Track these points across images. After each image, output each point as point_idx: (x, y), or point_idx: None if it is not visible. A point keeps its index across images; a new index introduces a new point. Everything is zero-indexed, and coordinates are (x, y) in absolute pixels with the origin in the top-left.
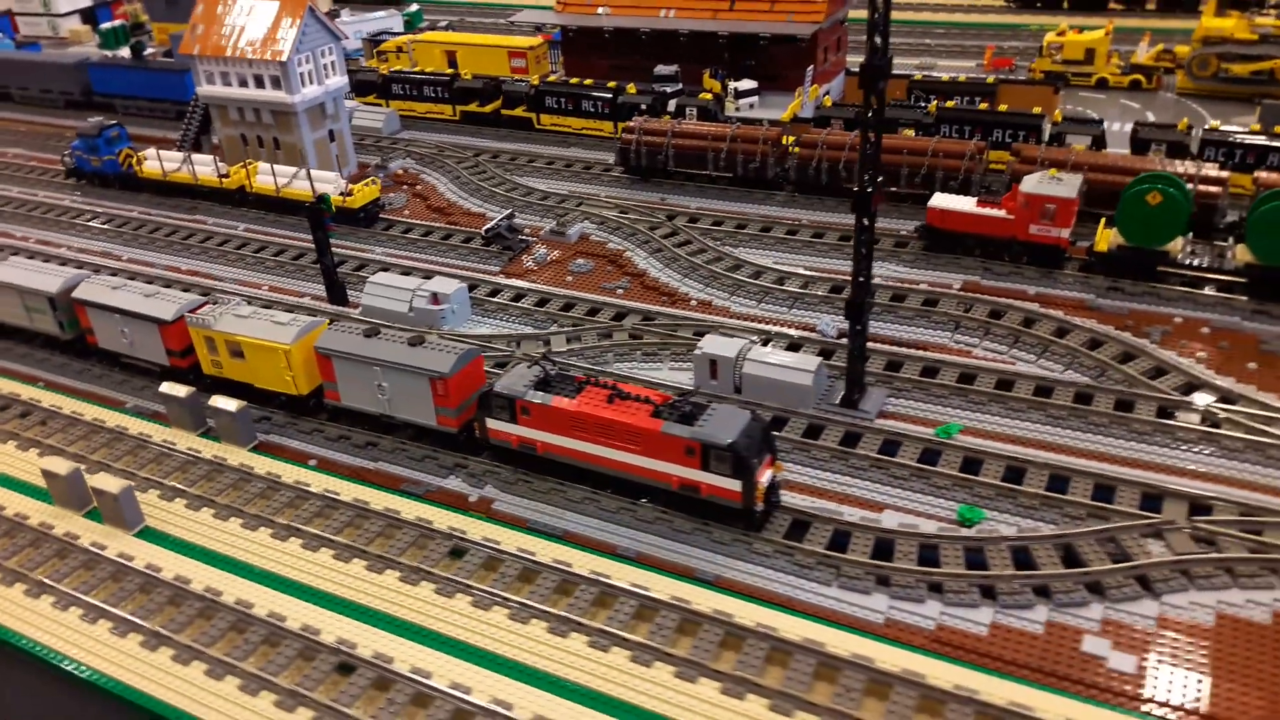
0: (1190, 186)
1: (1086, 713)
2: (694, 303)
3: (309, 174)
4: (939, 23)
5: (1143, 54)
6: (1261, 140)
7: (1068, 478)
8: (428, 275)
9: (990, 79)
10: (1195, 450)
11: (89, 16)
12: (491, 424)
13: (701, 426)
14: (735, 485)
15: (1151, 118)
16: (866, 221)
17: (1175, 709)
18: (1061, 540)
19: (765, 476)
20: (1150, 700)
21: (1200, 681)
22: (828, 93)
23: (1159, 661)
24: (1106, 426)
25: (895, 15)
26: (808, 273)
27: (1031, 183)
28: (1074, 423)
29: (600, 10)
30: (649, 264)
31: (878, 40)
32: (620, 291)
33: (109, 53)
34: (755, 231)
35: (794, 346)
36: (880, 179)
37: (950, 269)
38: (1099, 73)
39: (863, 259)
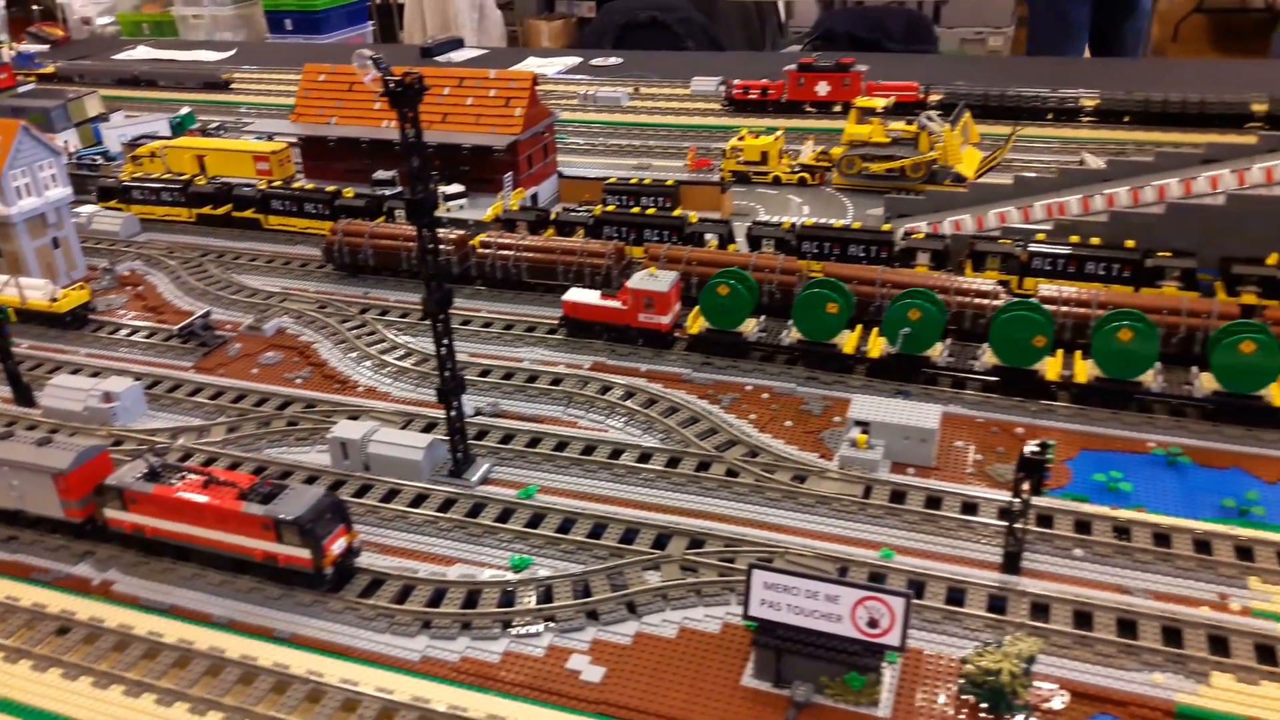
0: (766, 276)
1: (549, 716)
2: (361, 389)
3: (17, 283)
4: (659, 124)
5: (806, 155)
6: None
7: (606, 524)
8: (95, 373)
9: (670, 181)
10: (713, 495)
11: None
12: (109, 513)
13: (275, 505)
14: (306, 553)
15: (807, 210)
16: (443, 320)
17: (617, 706)
18: (581, 578)
19: (337, 544)
20: (602, 702)
21: (646, 681)
22: (535, 194)
23: (620, 670)
24: (654, 480)
25: (606, 118)
26: (468, 359)
27: (636, 279)
28: (632, 479)
29: (330, 121)
30: (331, 354)
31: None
32: (299, 381)
33: None
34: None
35: (430, 426)
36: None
37: (585, 352)
38: (774, 172)
39: (444, 354)
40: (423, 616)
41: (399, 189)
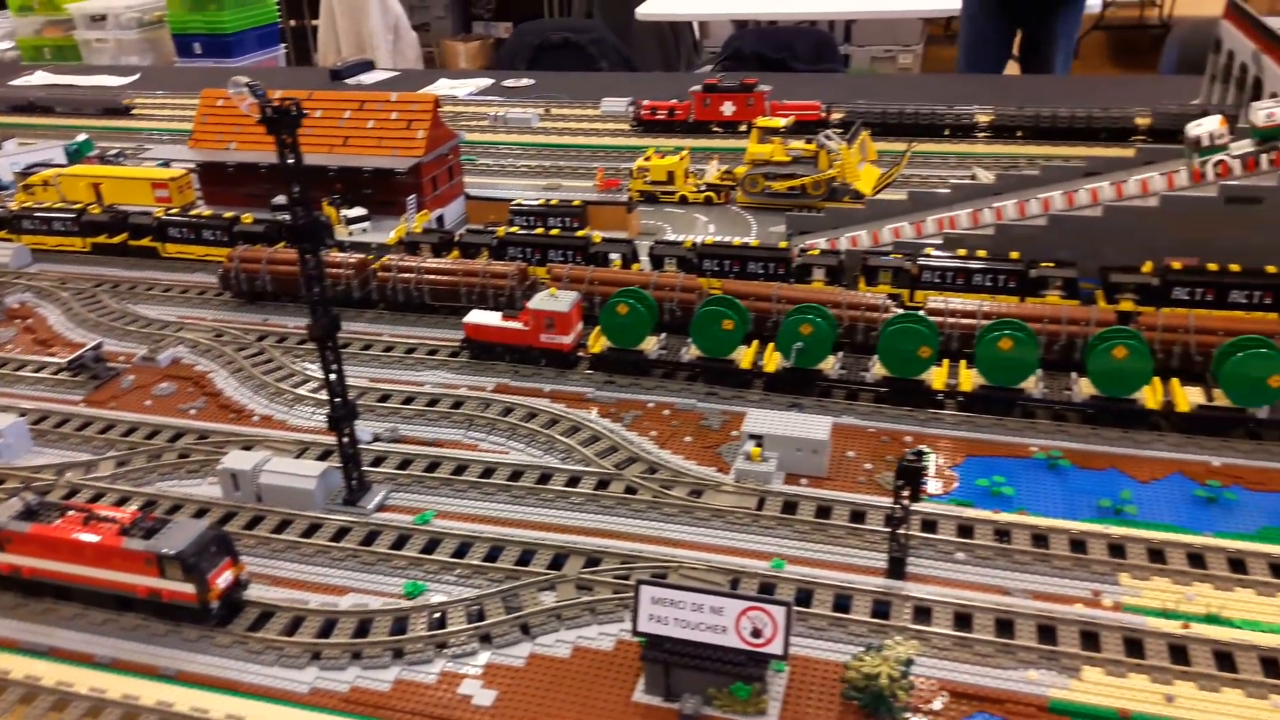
0: (667, 295)
1: None
2: (256, 418)
3: None
4: (570, 145)
5: (711, 174)
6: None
7: (503, 547)
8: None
9: (576, 201)
10: (611, 513)
11: None
12: None
13: (157, 540)
14: (189, 588)
15: (712, 229)
16: (331, 346)
17: None
18: (475, 602)
19: (223, 578)
20: None
21: (538, 702)
22: (441, 216)
23: (513, 692)
24: (553, 501)
25: (516, 139)
26: (367, 384)
27: (537, 300)
28: (531, 500)
29: (229, 146)
30: (227, 384)
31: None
32: (193, 412)
33: None
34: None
35: (326, 454)
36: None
37: (488, 374)
38: (680, 191)
39: (334, 380)
40: (312, 648)
41: (323, 215)
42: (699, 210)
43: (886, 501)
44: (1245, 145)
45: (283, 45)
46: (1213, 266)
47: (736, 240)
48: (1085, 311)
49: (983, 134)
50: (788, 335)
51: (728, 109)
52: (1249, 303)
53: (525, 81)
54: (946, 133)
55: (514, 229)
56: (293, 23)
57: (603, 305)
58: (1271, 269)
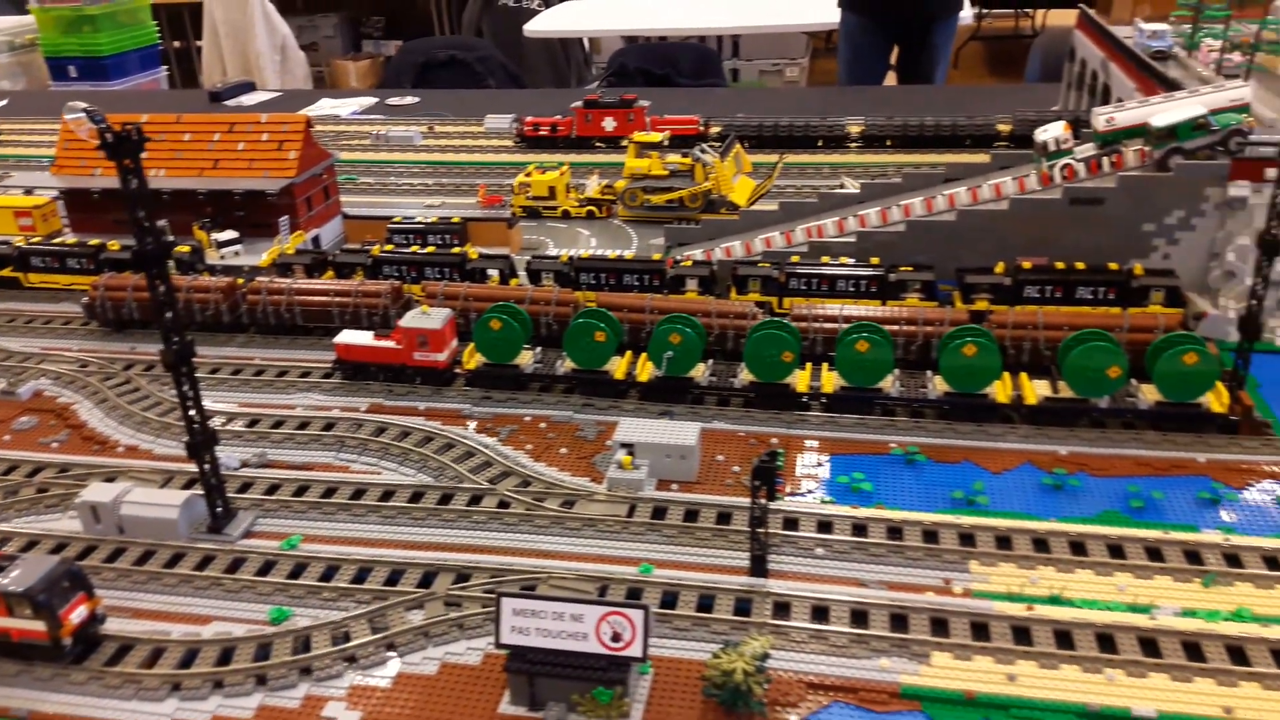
0: (542, 309)
1: None
2: (121, 449)
3: None
4: (453, 162)
5: (591, 189)
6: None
7: (371, 568)
8: None
9: (455, 218)
10: (484, 528)
11: None
12: None
13: (3, 578)
14: (40, 626)
15: (594, 243)
16: (186, 373)
17: None
18: (341, 625)
19: (77, 614)
20: None
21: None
22: (317, 237)
23: (379, 713)
24: (424, 519)
25: (399, 157)
26: (237, 409)
27: (409, 318)
28: (402, 519)
29: (95, 172)
30: (91, 415)
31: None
32: (55, 446)
33: None
34: (203, 374)
35: (191, 483)
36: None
37: (361, 394)
38: (562, 206)
39: (191, 407)
40: (172, 679)
41: (170, 239)
42: (581, 224)
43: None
44: (1089, 149)
45: (164, 67)
46: (1060, 265)
47: (612, 254)
48: (940, 312)
49: (854, 144)
50: (658, 345)
51: (609, 124)
52: (1094, 298)
53: (410, 99)
54: (820, 144)
55: (389, 247)
56: (176, 44)
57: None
58: (1114, 266)
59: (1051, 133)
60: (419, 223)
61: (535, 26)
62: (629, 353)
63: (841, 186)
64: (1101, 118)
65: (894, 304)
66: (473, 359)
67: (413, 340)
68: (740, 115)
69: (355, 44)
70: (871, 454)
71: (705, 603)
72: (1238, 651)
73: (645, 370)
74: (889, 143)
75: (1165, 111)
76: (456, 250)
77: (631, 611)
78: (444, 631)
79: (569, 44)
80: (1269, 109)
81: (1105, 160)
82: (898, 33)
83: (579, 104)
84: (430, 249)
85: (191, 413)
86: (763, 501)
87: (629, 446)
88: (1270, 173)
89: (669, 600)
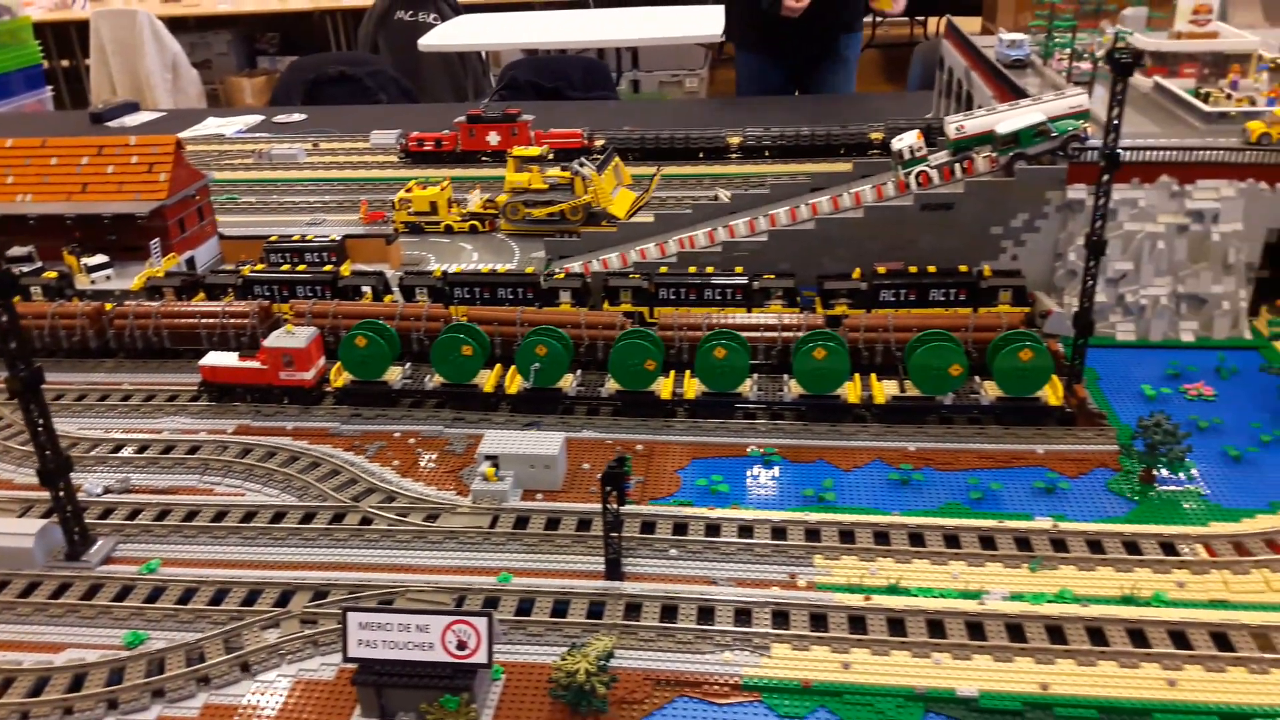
0: (413, 324)
1: None
2: None
3: None
4: (337, 179)
5: (473, 203)
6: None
7: (229, 589)
8: None
9: (333, 236)
10: (345, 545)
11: None
12: None
13: None
14: None
15: (476, 257)
16: (36, 400)
17: None
18: (196, 646)
19: None
20: None
21: None
22: (191, 258)
23: None
24: (286, 539)
25: (284, 175)
26: (103, 435)
27: (274, 337)
28: (264, 540)
29: None
30: None
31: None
32: None
33: None
34: (70, 401)
35: (49, 512)
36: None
37: (228, 416)
38: (445, 221)
39: (39, 435)
40: (20, 708)
41: (37, 265)
42: (464, 239)
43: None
44: (943, 156)
45: (50, 88)
46: (913, 269)
47: (485, 268)
48: (799, 318)
49: (734, 155)
50: (525, 357)
51: (493, 139)
52: (947, 300)
53: (297, 117)
54: (701, 155)
55: (259, 267)
56: (65, 63)
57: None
58: (964, 268)
59: (906, 141)
60: (296, 241)
61: (429, 41)
62: (498, 366)
63: (715, 198)
64: (953, 126)
65: (759, 311)
66: (340, 377)
67: (278, 360)
68: (626, 127)
69: (251, 60)
70: (731, 457)
71: (561, 608)
72: (1057, 631)
73: (514, 383)
74: (767, 153)
75: (1010, 119)
76: (328, 268)
77: (475, 620)
78: (298, 649)
79: (467, 57)
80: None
81: (957, 166)
82: (798, 66)
83: (462, 119)
84: (302, 267)
85: (42, 438)
86: (614, 506)
87: (493, 458)
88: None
89: (525, 607)
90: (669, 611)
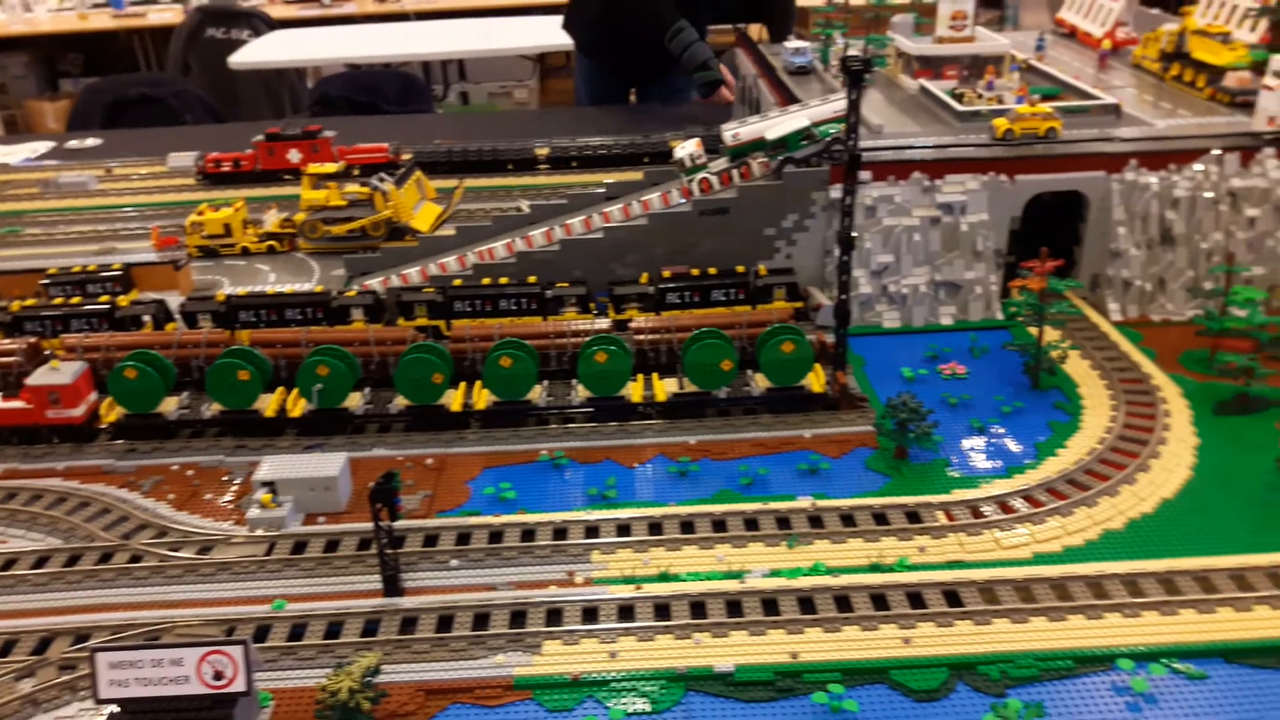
0: (192, 352)
1: None
2: None
3: None
4: (132, 205)
5: (269, 223)
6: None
7: None
8: None
9: (116, 265)
10: (111, 586)
11: None
12: None
13: None
14: None
15: (274, 278)
16: None
17: None
18: None
19: None
20: None
21: None
22: None
23: None
24: (46, 584)
25: (73, 204)
26: None
27: (37, 375)
28: (21, 587)
29: None
30: None
31: None
32: None
33: None
34: None
35: None
36: None
37: None
38: (240, 243)
39: None
40: None
41: None
42: (262, 260)
43: (397, 525)
44: (721, 163)
45: None
46: (695, 271)
47: (271, 289)
48: (589, 324)
49: (543, 166)
50: (306, 378)
51: (294, 156)
52: (727, 299)
53: (91, 142)
54: (510, 167)
55: (30, 302)
56: None
57: None
58: (741, 269)
59: (687, 149)
60: (77, 272)
61: (241, 58)
62: (281, 389)
63: (518, 210)
64: (728, 133)
65: (554, 319)
66: (112, 411)
67: (43, 398)
68: (436, 141)
69: (52, 83)
70: (522, 463)
71: (335, 629)
72: (808, 602)
73: (298, 406)
74: (573, 164)
75: (778, 125)
76: (104, 299)
77: (231, 648)
78: (54, 696)
79: (285, 74)
80: (878, 116)
81: (735, 173)
82: (637, 77)
83: (260, 137)
84: (76, 300)
85: None
86: (385, 523)
87: (269, 484)
88: (864, 175)
89: (298, 632)
90: (445, 622)
